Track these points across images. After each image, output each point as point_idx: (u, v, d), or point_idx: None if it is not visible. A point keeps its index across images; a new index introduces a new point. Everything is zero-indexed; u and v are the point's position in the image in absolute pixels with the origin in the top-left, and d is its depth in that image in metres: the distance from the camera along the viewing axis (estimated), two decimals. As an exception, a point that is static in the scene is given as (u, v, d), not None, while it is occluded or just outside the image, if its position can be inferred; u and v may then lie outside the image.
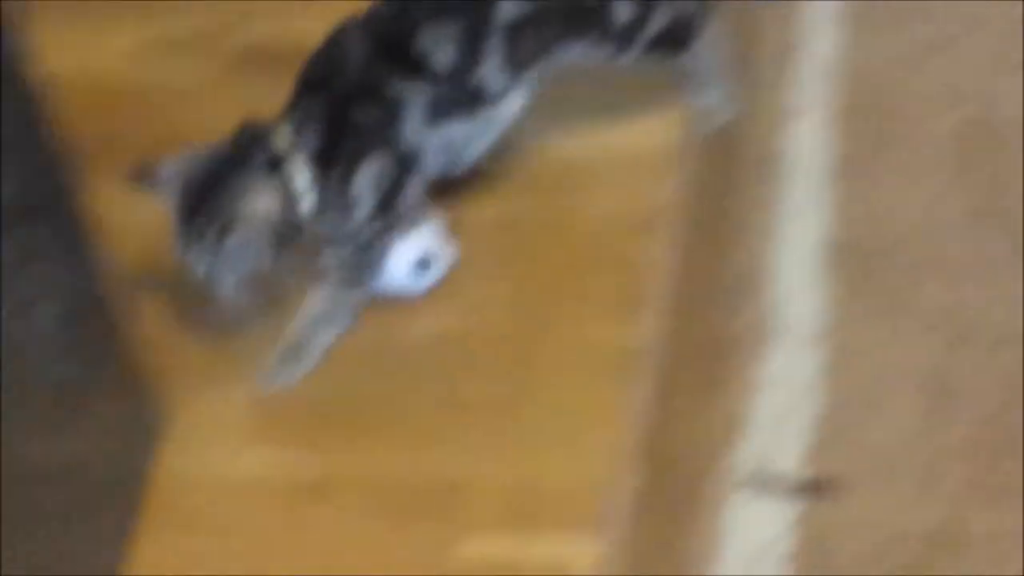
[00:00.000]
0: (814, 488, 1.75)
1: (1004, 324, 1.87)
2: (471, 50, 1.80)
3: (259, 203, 1.75)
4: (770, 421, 1.81)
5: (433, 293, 1.96)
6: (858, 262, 1.95)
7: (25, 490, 1.63)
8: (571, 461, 1.78)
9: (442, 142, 1.84)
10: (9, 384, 1.60)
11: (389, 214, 1.84)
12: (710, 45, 1.94)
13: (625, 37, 1.88)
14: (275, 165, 1.76)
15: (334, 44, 1.83)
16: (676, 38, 1.92)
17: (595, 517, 1.73)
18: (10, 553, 1.57)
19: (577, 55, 1.88)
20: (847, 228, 1.99)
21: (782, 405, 1.83)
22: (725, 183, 2.04)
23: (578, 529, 1.72)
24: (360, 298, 1.87)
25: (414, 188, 1.85)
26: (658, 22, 1.89)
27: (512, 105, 1.86)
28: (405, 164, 1.81)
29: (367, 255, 1.85)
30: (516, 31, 1.82)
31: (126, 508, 1.79)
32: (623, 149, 2.09)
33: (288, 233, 1.79)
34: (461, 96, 1.82)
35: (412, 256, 1.89)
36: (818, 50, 2.19)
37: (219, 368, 1.91)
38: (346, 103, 1.79)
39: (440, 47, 1.79)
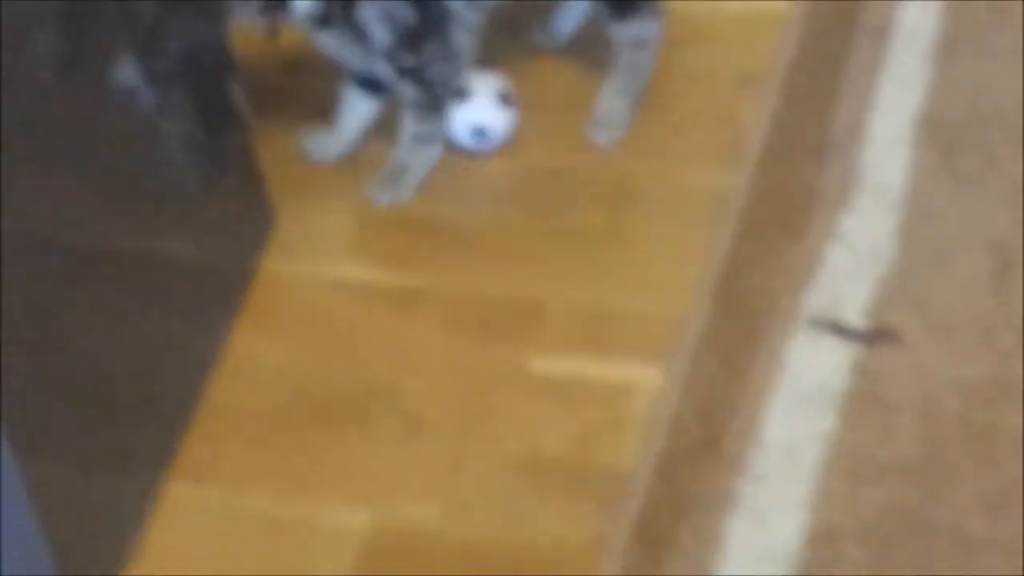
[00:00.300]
0: (874, 336, 1.85)
1: (1078, 205, 1.95)
2: None
3: None
4: (841, 272, 1.91)
5: (544, 131, 2.09)
6: (949, 134, 2.03)
7: (145, 276, 1.80)
8: (646, 293, 1.94)
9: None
10: (134, 179, 1.76)
11: (424, 55, 1.95)
12: (645, 46, 2.04)
13: None
14: None
15: None
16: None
17: (660, 346, 1.87)
18: (118, 335, 1.72)
19: None
20: (944, 101, 2.07)
21: (855, 258, 1.92)
22: (834, 48, 2.14)
23: (643, 356, 1.87)
24: (439, 124, 2.00)
25: (448, 40, 1.96)
26: None
27: None
28: (430, 15, 1.92)
29: (432, 89, 1.98)
30: None
31: (231, 302, 1.95)
32: (733, 9, 2.20)
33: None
34: None
35: (468, 123, 2.03)
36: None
37: (326, 180, 2.07)
38: None
39: None
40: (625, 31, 2.04)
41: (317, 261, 2.02)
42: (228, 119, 1.95)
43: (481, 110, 2.05)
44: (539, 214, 2.03)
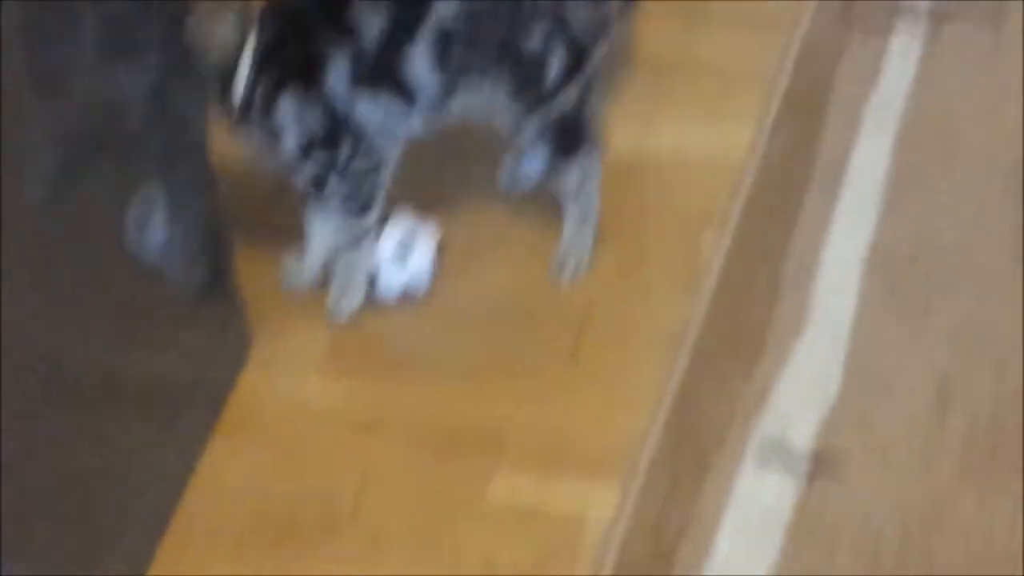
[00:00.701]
0: (818, 463, 1.94)
1: (1016, 338, 2.03)
2: (397, 34, 1.97)
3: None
4: (790, 399, 2.00)
5: (508, 257, 2.19)
6: (895, 270, 2.13)
7: (126, 391, 1.88)
8: (603, 418, 2.02)
9: (374, 113, 2.01)
10: (122, 300, 1.85)
11: (329, 157, 2.03)
12: (591, 179, 2.13)
13: (540, 99, 2.04)
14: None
15: None
16: (569, 133, 2.09)
17: (616, 469, 1.95)
18: (99, 447, 1.80)
19: (492, 98, 2.03)
20: (891, 238, 2.17)
21: (803, 387, 2.01)
22: (790, 186, 2.24)
23: (599, 478, 1.96)
24: (365, 227, 2.09)
25: (360, 152, 2.04)
26: (567, 100, 2.05)
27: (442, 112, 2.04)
28: (336, 119, 2.00)
29: (351, 190, 2.06)
30: (447, 37, 1.97)
31: (207, 417, 2.05)
32: (696, 148, 2.31)
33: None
34: (384, 75, 1.99)
35: (400, 283, 2.14)
36: (893, 86, 2.37)
37: (303, 299, 2.17)
38: (283, 39, 2.00)
39: (369, 20, 1.96)
40: (571, 169, 2.13)
41: (289, 379, 2.11)
42: (213, 241, 2.04)
43: (417, 270, 2.14)
44: (501, 340, 2.11)
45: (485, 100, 2.03)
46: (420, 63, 1.98)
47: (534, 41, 2.00)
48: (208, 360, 2.06)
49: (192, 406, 2.02)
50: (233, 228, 2.09)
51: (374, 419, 2.05)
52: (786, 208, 2.22)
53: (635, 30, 2.47)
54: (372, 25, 1.97)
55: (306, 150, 2.02)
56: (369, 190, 2.07)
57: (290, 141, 2.02)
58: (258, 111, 2.01)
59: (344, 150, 2.02)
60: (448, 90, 2.01)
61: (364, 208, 2.08)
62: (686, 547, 1.87)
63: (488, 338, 2.11)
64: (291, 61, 1.99)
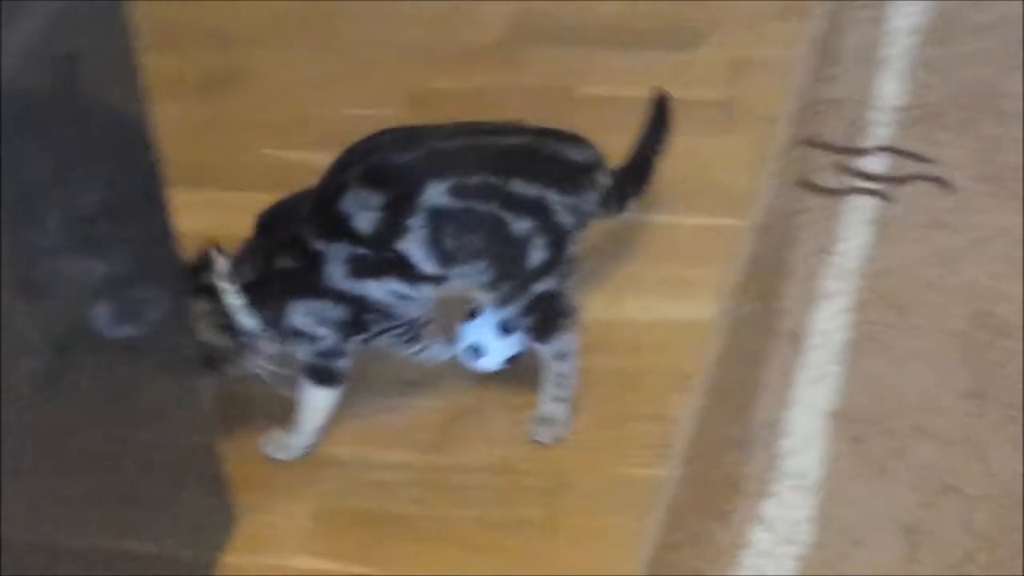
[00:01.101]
0: (795, 611, 2.00)
1: (980, 487, 2.11)
2: (393, 222, 2.05)
3: (197, 314, 2.08)
4: (763, 552, 2.06)
5: (486, 428, 2.25)
6: (859, 426, 2.21)
7: (113, 571, 1.92)
8: (593, 557, 2.06)
9: (385, 293, 2.10)
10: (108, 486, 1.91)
11: (354, 339, 2.14)
12: (567, 357, 2.19)
13: (520, 285, 2.11)
14: (210, 291, 2.09)
15: (296, 196, 2.14)
16: (546, 317, 2.15)
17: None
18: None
19: (477, 283, 2.12)
20: (854, 396, 2.25)
21: (775, 540, 2.07)
22: (754, 350, 2.33)
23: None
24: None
25: (389, 321, 2.14)
26: (545, 287, 2.12)
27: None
28: (353, 305, 2.10)
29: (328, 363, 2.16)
30: (440, 221, 2.05)
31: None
32: (666, 316, 2.40)
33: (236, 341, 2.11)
34: (384, 261, 2.07)
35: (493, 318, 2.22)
36: (849, 249, 2.47)
37: (286, 476, 2.23)
38: (277, 250, 2.10)
39: (361, 213, 2.05)
40: (548, 348, 2.19)
41: (275, 556, 2.15)
42: (197, 421, 2.10)
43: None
44: (479, 506, 2.17)
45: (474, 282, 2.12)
46: (415, 247, 2.07)
47: (518, 229, 2.08)
48: (192, 537, 2.10)
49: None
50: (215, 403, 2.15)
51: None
52: (752, 370, 2.30)
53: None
54: (364, 218, 2.06)
55: (342, 339, 2.13)
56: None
57: (321, 338, 2.12)
58: (271, 327, 2.11)
59: (374, 326, 2.13)
60: (444, 270, 2.09)
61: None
62: None
63: (466, 504, 2.16)
64: (289, 272, 2.09)
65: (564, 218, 2.11)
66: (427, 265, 2.07)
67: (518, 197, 2.07)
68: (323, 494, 2.21)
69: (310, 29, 3.18)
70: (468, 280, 2.11)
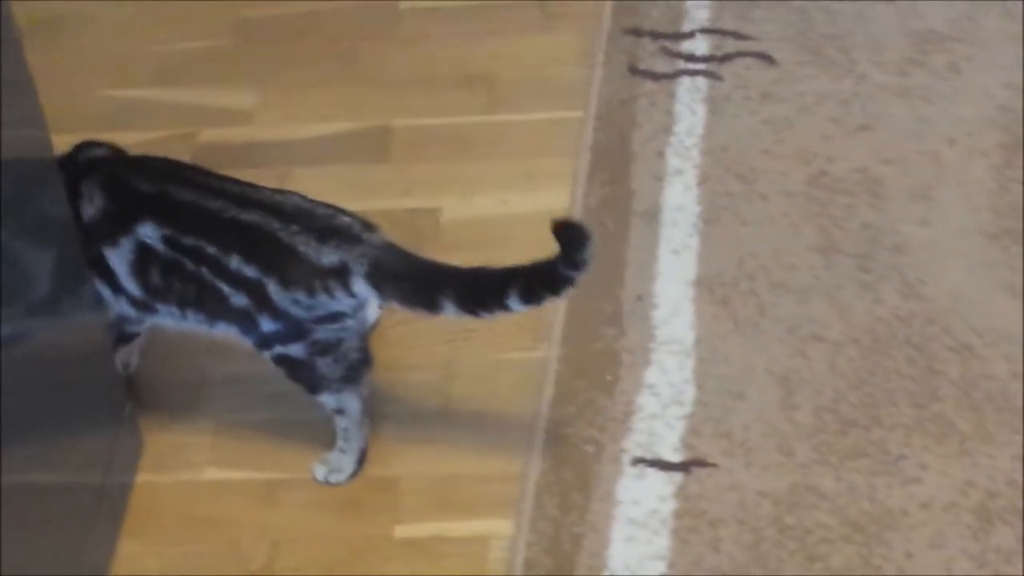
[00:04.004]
0: (689, 464, 2.13)
1: (842, 332, 2.27)
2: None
3: None
4: (652, 415, 2.19)
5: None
6: (724, 290, 2.34)
7: (34, 500, 1.98)
8: (486, 458, 2.19)
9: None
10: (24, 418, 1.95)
11: None
12: (344, 414, 2.15)
13: (257, 344, 2.09)
14: None
15: None
16: (301, 377, 2.12)
17: (506, 500, 2.12)
18: (16, 554, 1.88)
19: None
20: (714, 263, 2.38)
21: (661, 403, 2.20)
22: (615, 231, 2.44)
23: (493, 511, 2.13)
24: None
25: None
26: (288, 351, 2.08)
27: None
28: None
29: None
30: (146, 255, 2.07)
31: (113, 517, 2.15)
32: (521, 212, 2.51)
33: None
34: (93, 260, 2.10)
35: None
36: (687, 127, 2.61)
37: (185, 401, 2.30)
38: None
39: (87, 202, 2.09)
40: (321, 400, 2.16)
41: (185, 472, 2.22)
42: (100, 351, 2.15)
43: None
44: (384, 402, 2.26)
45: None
46: (120, 266, 2.09)
47: (240, 299, 2.06)
48: (106, 465, 2.16)
49: (98, 508, 2.12)
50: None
51: (273, 488, 2.18)
52: (615, 249, 2.42)
53: (435, 110, 2.71)
54: (89, 206, 2.09)
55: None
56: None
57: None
58: None
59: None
60: (145, 302, 2.11)
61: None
62: (584, 557, 2.04)
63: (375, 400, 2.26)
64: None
65: (290, 308, 2.04)
66: (132, 286, 2.10)
67: (233, 273, 2.04)
68: (221, 410, 2.29)
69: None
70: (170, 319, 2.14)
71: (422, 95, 2.77)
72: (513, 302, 1.97)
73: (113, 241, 2.07)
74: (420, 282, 2.01)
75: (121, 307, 2.14)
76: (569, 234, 1.94)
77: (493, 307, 1.98)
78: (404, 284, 2.01)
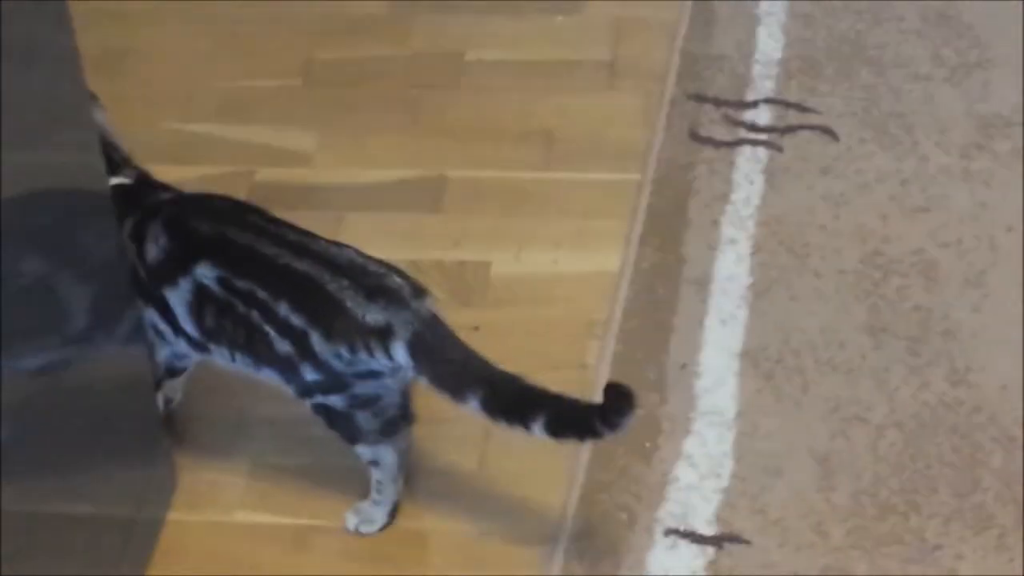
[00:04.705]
0: (722, 539, 2.11)
1: (886, 416, 2.25)
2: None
3: None
4: (689, 487, 2.17)
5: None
6: (768, 363, 2.33)
7: (64, 530, 1.98)
8: (518, 517, 2.18)
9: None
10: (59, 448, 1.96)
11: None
12: (379, 466, 2.14)
13: (299, 392, 2.09)
14: None
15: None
16: (340, 428, 2.11)
17: (535, 563, 2.11)
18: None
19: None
20: (761, 336, 2.37)
21: (698, 474, 2.19)
22: (664, 297, 2.44)
23: (522, 574, 2.10)
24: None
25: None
26: (327, 401, 2.08)
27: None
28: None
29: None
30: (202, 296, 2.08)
31: (142, 553, 2.15)
32: (571, 271, 2.50)
33: None
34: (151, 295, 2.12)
35: None
36: (744, 197, 2.59)
37: (223, 440, 2.31)
38: None
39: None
40: (357, 452, 2.16)
41: (216, 512, 2.22)
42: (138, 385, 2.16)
43: None
44: (421, 455, 2.25)
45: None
46: (178, 305, 2.10)
47: (284, 347, 2.05)
48: (138, 499, 2.16)
49: (127, 543, 2.12)
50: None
51: (303, 535, 2.18)
52: (662, 316, 2.41)
53: (493, 162, 2.71)
54: (154, 247, 2.10)
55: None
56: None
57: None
58: None
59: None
60: (201, 343, 2.12)
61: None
62: (611, 627, 2.03)
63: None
64: None
65: (332, 360, 2.04)
66: (190, 324, 2.11)
67: (282, 320, 2.05)
68: (257, 452, 2.29)
69: (194, 4, 3.22)
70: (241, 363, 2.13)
71: (480, 147, 2.77)
72: (536, 427, 1.96)
73: (173, 281, 2.09)
74: (455, 368, 2.01)
75: (179, 346, 2.16)
76: (616, 396, 1.94)
77: (515, 422, 1.98)
78: (439, 365, 2.01)
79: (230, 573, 2.14)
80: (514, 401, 1.98)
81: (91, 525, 2.05)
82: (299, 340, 2.03)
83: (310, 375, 2.05)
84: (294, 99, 2.92)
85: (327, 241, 2.10)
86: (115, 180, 2.13)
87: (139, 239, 2.11)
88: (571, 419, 1.97)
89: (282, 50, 3.03)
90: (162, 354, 2.20)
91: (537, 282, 2.52)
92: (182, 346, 2.15)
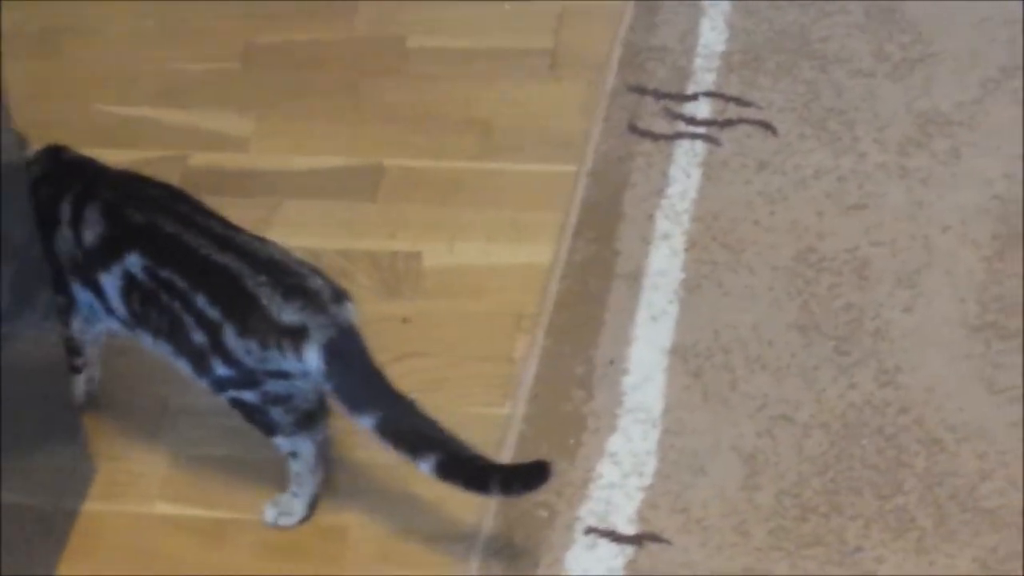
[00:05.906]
0: (642, 538, 2.09)
1: (812, 415, 2.23)
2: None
3: None
4: (611, 484, 2.15)
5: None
6: (698, 361, 2.31)
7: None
8: (439, 513, 2.15)
9: (86, 295, 2.14)
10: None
11: None
12: (297, 458, 2.12)
13: (210, 385, 2.08)
14: None
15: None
16: (255, 421, 2.09)
17: (454, 561, 2.09)
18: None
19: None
20: (690, 333, 2.35)
21: (621, 472, 2.17)
22: (594, 291, 2.41)
23: (439, 570, 2.09)
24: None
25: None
26: (240, 395, 2.06)
27: None
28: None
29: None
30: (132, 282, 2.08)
31: (56, 542, 2.13)
32: (503, 263, 2.48)
33: None
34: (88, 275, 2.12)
35: None
36: (680, 191, 2.57)
37: (142, 430, 2.28)
38: None
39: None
40: (275, 443, 2.14)
41: (135, 503, 2.20)
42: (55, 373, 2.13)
43: None
44: (333, 448, 2.22)
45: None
46: (110, 289, 2.10)
47: (199, 337, 2.05)
48: (54, 489, 2.13)
49: (42, 532, 2.10)
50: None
51: (221, 531, 2.15)
52: (593, 310, 2.39)
53: (431, 151, 2.68)
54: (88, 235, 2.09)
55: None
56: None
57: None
58: None
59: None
60: (132, 323, 2.11)
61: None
62: (527, 626, 2.01)
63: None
64: None
65: (243, 356, 2.03)
66: (121, 306, 2.10)
67: (199, 311, 2.04)
68: (178, 442, 2.26)
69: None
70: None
71: (418, 135, 2.74)
72: (425, 465, 1.98)
73: (106, 267, 2.08)
74: (360, 383, 2.00)
75: (111, 323, 2.15)
76: (534, 468, 1.98)
77: (404, 453, 1.99)
78: (345, 376, 1.99)
79: (146, 565, 2.12)
80: (409, 432, 1.98)
81: (5, 513, 2.02)
82: (213, 332, 2.01)
83: (221, 370, 2.03)
84: (232, 83, 2.89)
85: (253, 236, 2.09)
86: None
87: (77, 220, 2.10)
88: (465, 469, 1.98)
89: (223, 33, 3.00)
90: (96, 328, 2.19)
91: (469, 274, 2.50)
92: (114, 324, 2.14)
